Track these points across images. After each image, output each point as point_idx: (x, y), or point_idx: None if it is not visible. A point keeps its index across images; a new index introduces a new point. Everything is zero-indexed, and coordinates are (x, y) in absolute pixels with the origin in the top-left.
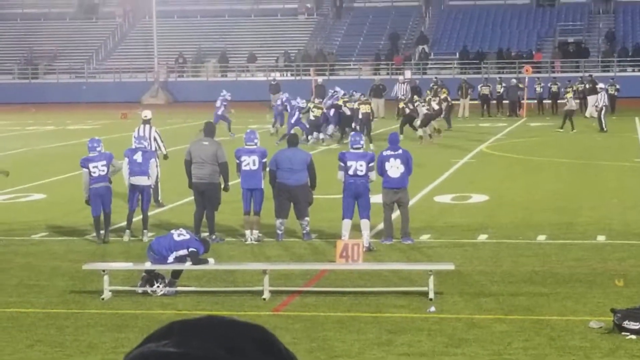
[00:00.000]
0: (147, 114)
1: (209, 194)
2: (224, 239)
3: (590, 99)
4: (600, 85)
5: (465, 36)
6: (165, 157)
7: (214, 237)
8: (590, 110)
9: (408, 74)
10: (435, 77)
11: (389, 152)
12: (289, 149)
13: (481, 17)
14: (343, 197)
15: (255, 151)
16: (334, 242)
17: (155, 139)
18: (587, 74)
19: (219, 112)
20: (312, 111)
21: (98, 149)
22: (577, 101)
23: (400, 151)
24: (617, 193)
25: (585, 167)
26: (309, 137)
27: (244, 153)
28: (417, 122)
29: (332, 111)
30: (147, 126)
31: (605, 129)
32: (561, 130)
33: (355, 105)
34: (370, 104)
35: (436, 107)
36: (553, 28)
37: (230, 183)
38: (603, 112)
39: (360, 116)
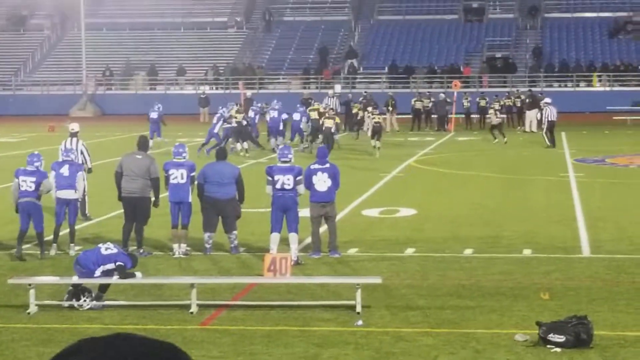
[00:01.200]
0: (74, 126)
1: (139, 208)
2: (151, 253)
3: (530, 114)
4: (547, 100)
5: (394, 51)
6: (89, 170)
7: (141, 251)
8: (531, 125)
9: (338, 87)
10: (365, 92)
11: (316, 166)
12: (217, 163)
13: (410, 32)
14: (271, 211)
15: (184, 165)
16: (262, 256)
17: (82, 152)
18: (514, 89)
19: (154, 124)
20: (234, 117)
21: (36, 164)
22: (503, 116)
23: (327, 165)
24: (543, 207)
25: (511, 182)
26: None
27: (172, 166)
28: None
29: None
30: (75, 139)
31: (553, 145)
32: (495, 141)
33: (314, 116)
34: (335, 118)
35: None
36: (481, 43)
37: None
38: (545, 127)
39: (323, 129)
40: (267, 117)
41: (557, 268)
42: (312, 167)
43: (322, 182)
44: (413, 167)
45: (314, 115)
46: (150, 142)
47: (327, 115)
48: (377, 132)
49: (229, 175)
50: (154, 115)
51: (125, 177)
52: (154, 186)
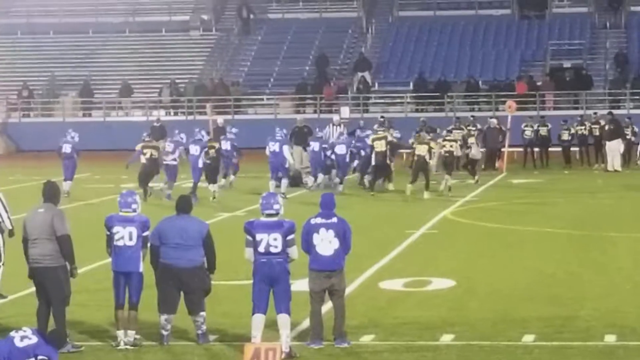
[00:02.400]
0: None
1: (49, 283)
2: (79, 347)
3: (612, 146)
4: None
5: (421, 60)
6: (11, 233)
7: (67, 344)
8: (613, 161)
9: (345, 112)
10: (382, 117)
11: (318, 220)
12: (177, 217)
13: (444, 33)
14: (253, 284)
15: (134, 220)
16: (240, 346)
17: None
18: (590, 112)
19: (72, 162)
20: (207, 152)
21: None
22: (483, 149)
23: (334, 219)
24: (631, 276)
25: (588, 241)
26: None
27: (118, 222)
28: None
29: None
30: None
31: None
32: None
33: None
34: (385, 138)
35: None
36: (543, 48)
37: (91, 265)
38: None
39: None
40: (267, 151)
41: None
42: (313, 221)
43: (326, 242)
44: (450, 221)
45: (380, 146)
46: (66, 186)
47: (419, 141)
48: (448, 164)
49: (194, 234)
50: (66, 148)
51: (29, 242)
52: (62, 248)
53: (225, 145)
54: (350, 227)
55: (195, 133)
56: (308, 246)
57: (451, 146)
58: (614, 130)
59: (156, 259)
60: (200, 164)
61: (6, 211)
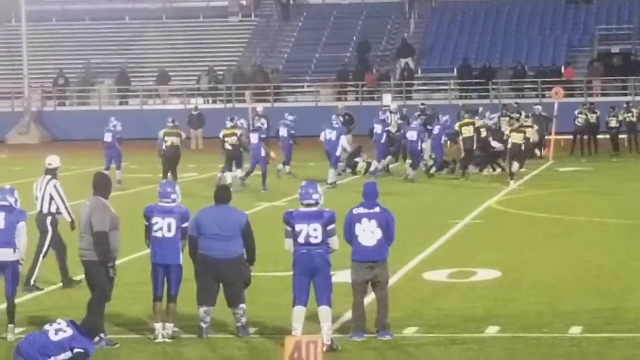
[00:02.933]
0: (52, 161)
1: (90, 278)
2: (114, 344)
3: None
4: None
5: (465, 46)
6: (72, 225)
7: (101, 338)
8: None
9: (388, 99)
10: (422, 104)
11: (360, 210)
12: (215, 207)
13: (489, 18)
14: (293, 275)
15: (173, 211)
16: (281, 339)
17: (51, 197)
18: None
19: (114, 151)
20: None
21: None
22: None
23: (377, 209)
24: None
25: (637, 230)
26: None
27: (157, 213)
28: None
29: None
30: (48, 177)
31: None
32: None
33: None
34: (524, 132)
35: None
36: (590, 33)
37: (135, 255)
38: None
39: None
40: (322, 138)
41: None
42: (356, 211)
43: (369, 233)
44: (495, 211)
45: (468, 131)
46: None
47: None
48: (514, 154)
49: (233, 225)
50: (107, 137)
51: (80, 233)
52: (96, 245)
53: (283, 132)
54: (394, 217)
55: (255, 121)
56: (350, 236)
57: (526, 133)
58: None
59: (194, 250)
60: (263, 153)
61: (63, 202)
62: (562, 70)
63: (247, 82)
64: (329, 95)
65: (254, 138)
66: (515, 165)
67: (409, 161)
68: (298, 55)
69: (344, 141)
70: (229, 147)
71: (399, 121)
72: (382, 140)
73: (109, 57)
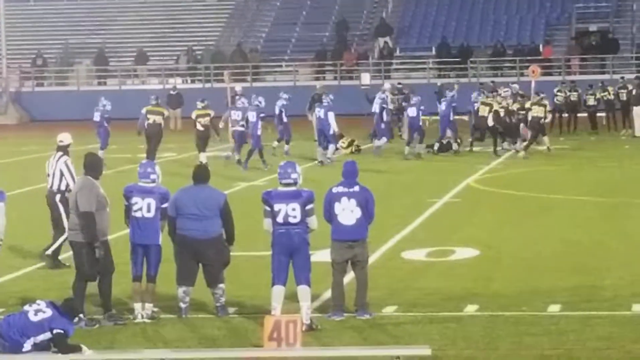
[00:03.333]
0: (63, 138)
1: (76, 257)
2: (94, 324)
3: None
4: None
5: (444, 24)
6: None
7: (82, 320)
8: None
9: (366, 78)
10: (399, 83)
11: (340, 189)
12: (194, 187)
13: None
14: (272, 255)
15: (153, 191)
16: (260, 319)
17: (62, 173)
18: (617, 76)
19: (102, 130)
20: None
21: None
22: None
23: (356, 188)
24: None
25: (615, 208)
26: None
27: (137, 193)
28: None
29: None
30: (59, 154)
31: None
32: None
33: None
34: (545, 105)
35: None
36: (568, 12)
37: (115, 235)
38: None
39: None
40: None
41: None
42: (335, 190)
43: (348, 212)
44: (473, 189)
45: (483, 111)
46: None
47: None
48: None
49: (211, 205)
50: (96, 117)
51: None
52: (81, 226)
53: (251, 117)
54: (373, 196)
55: (252, 99)
56: (330, 215)
57: (539, 110)
58: None
59: (173, 230)
60: (259, 132)
61: (73, 179)
62: (541, 48)
63: (226, 62)
64: (308, 74)
65: (252, 116)
66: (545, 138)
67: (407, 139)
68: (276, 35)
69: (332, 118)
70: (201, 128)
71: (400, 97)
72: (385, 119)
73: (87, 37)
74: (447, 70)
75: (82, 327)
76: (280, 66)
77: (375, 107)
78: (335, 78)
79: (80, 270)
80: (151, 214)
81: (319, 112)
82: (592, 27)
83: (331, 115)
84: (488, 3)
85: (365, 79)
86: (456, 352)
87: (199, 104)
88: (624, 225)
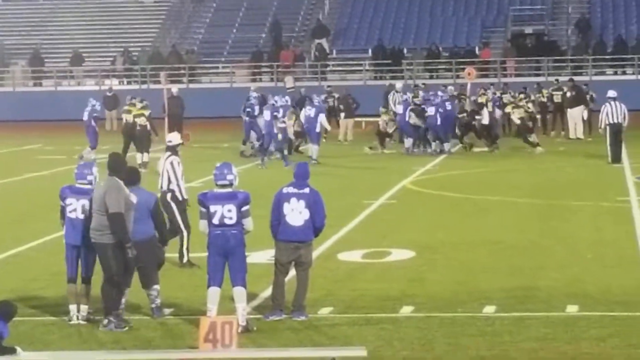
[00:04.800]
0: (172, 138)
1: (101, 260)
2: (123, 326)
3: (574, 113)
4: (611, 93)
5: (381, 26)
6: (185, 203)
7: (110, 322)
8: (576, 128)
9: (290, 81)
10: (328, 86)
11: (290, 190)
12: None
13: None
14: (208, 256)
15: (88, 193)
16: (196, 320)
17: (167, 173)
18: (552, 78)
19: (91, 130)
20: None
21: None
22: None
23: (307, 190)
24: (592, 245)
25: (549, 210)
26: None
27: (71, 194)
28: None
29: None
30: (167, 154)
31: (617, 160)
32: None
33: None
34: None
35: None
36: (504, 14)
37: (45, 238)
38: (608, 133)
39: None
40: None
41: (615, 331)
42: (286, 190)
43: (297, 213)
44: (409, 191)
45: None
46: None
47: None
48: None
49: (142, 206)
50: (85, 116)
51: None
52: (111, 226)
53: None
54: (322, 199)
55: (269, 99)
56: (278, 216)
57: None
58: (576, 97)
59: None
60: (276, 130)
61: (177, 179)
62: (477, 50)
63: (163, 63)
64: (244, 76)
65: (266, 115)
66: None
67: (410, 139)
68: (213, 36)
69: (324, 119)
70: (138, 128)
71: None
72: (407, 120)
73: (23, 38)
74: (383, 72)
75: (113, 330)
76: (217, 67)
77: (399, 108)
78: (271, 79)
79: (108, 272)
80: (85, 216)
81: (309, 111)
82: (528, 30)
83: (323, 117)
84: (424, 5)
85: (290, 82)
86: (392, 353)
87: (138, 104)
88: (559, 227)
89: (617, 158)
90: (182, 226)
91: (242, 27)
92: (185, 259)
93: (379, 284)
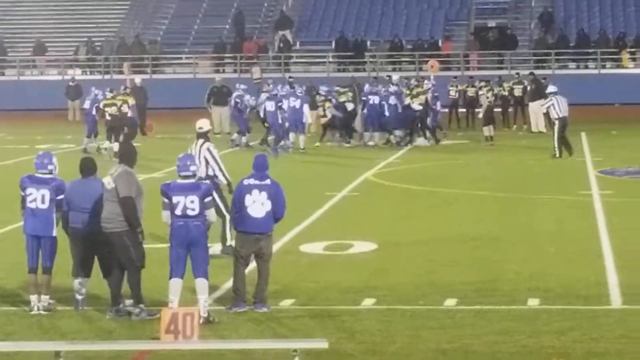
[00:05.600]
0: (202, 124)
1: (117, 249)
2: (153, 313)
3: (535, 107)
4: (551, 87)
5: (344, 18)
6: (229, 187)
7: (143, 310)
8: (537, 121)
9: (257, 72)
10: (290, 77)
11: (252, 181)
12: (82, 181)
13: None
14: (170, 247)
15: (48, 183)
16: (157, 312)
17: (207, 161)
18: (514, 72)
19: (90, 118)
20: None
21: None
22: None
23: (268, 181)
24: (555, 239)
25: (512, 203)
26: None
27: (31, 183)
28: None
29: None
30: (201, 141)
31: (568, 152)
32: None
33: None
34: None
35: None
36: (467, 7)
37: (5, 228)
38: (557, 127)
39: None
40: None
41: (576, 325)
42: (247, 182)
43: (259, 204)
44: (371, 183)
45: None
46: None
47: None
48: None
49: (99, 197)
50: (86, 104)
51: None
52: (123, 211)
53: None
54: (283, 190)
55: (272, 89)
56: (239, 207)
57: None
58: (536, 91)
59: (65, 223)
60: (280, 119)
61: (218, 164)
62: (440, 44)
63: (126, 54)
64: (207, 67)
65: (270, 106)
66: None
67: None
68: (176, 27)
69: (307, 110)
70: (108, 118)
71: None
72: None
73: None
74: (346, 64)
75: (145, 318)
76: (180, 58)
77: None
78: (235, 71)
79: (129, 261)
80: (45, 205)
81: (294, 102)
82: (491, 23)
83: (306, 107)
84: None
85: (257, 73)
86: (353, 345)
87: (108, 94)
88: (522, 220)
89: (570, 150)
90: (223, 210)
91: (206, 18)
92: (227, 243)
93: (341, 276)
